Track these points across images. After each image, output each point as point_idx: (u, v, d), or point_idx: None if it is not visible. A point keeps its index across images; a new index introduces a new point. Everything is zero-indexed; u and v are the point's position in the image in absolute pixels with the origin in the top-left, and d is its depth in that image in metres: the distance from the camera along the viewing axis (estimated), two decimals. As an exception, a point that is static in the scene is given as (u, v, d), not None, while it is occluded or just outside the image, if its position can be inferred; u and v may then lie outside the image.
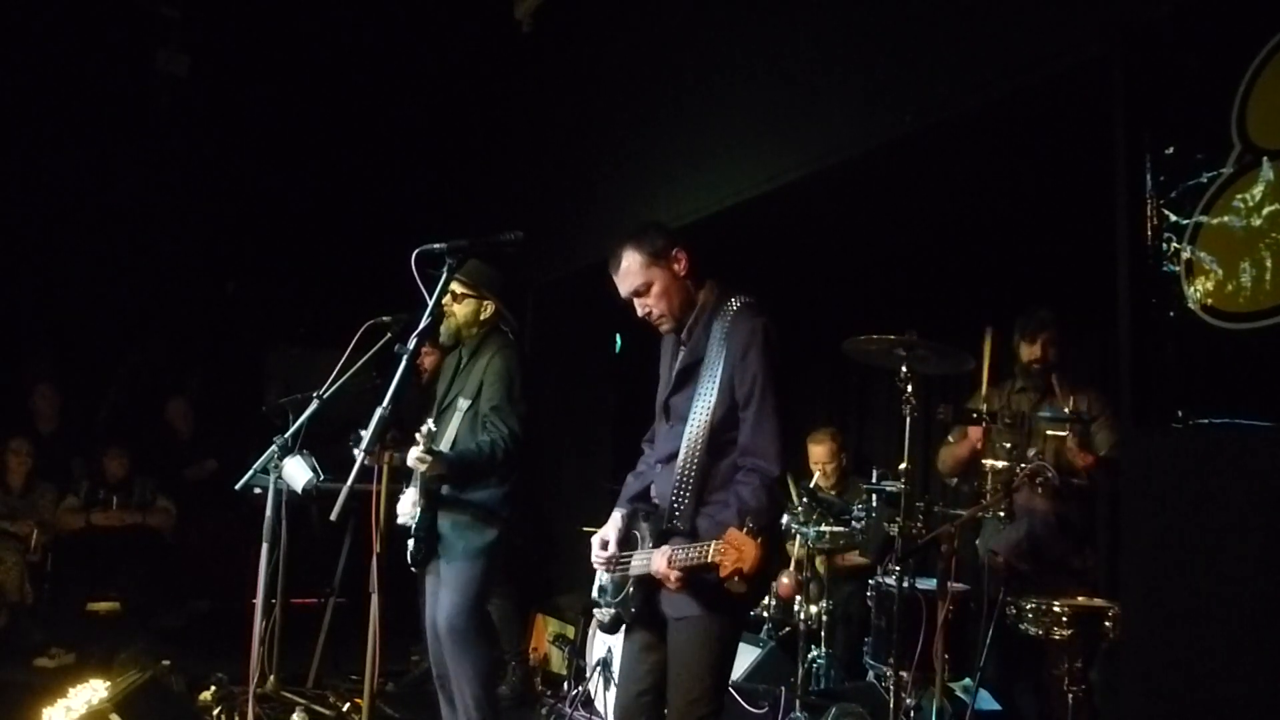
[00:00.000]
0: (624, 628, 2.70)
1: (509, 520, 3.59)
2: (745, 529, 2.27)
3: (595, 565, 2.76)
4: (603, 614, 2.74)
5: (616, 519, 2.76)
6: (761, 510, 2.42)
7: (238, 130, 7.25)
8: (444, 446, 3.54)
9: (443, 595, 3.53)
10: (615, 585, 2.70)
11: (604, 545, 2.73)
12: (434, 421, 3.65)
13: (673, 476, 2.55)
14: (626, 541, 2.70)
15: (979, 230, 4.66)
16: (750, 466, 2.49)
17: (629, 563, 2.64)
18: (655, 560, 2.48)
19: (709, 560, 2.31)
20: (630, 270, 2.61)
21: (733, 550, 2.26)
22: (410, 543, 3.51)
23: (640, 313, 2.67)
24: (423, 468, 3.30)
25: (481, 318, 3.68)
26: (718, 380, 2.52)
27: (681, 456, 2.54)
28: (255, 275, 7.87)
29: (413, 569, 3.57)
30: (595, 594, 2.80)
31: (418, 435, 3.33)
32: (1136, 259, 2.61)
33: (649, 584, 2.56)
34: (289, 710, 4.18)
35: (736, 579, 2.27)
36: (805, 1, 4.27)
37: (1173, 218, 2.54)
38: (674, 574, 2.43)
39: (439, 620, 3.54)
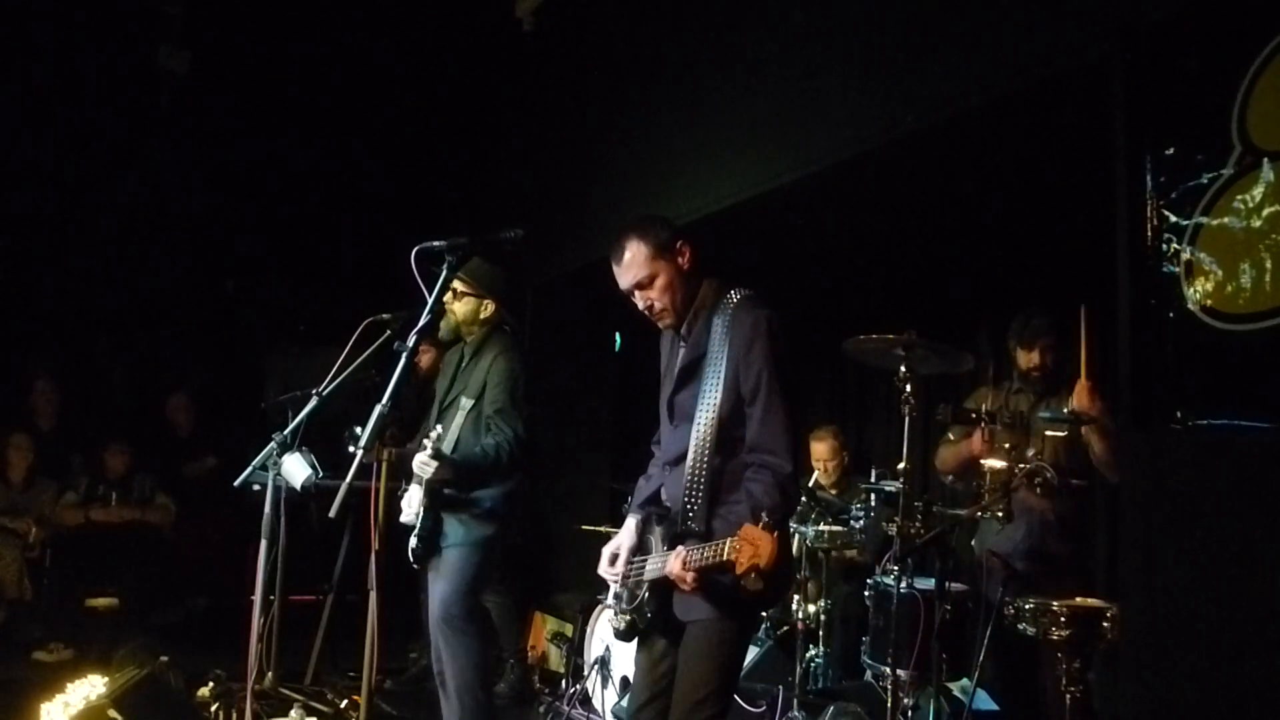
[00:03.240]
0: (638, 635, 2.67)
1: (509, 518, 3.60)
2: (761, 524, 2.22)
3: (605, 578, 2.72)
4: (618, 621, 2.68)
5: (630, 526, 2.70)
6: (775, 507, 2.37)
7: (238, 128, 7.24)
8: (447, 445, 3.54)
9: (438, 583, 3.54)
10: (630, 592, 2.66)
11: (613, 559, 2.69)
12: (436, 420, 3.66)
13: (683, 478, 2.49)
14: (640, 548, 2.66)
15: (979, 230, 4.66)
16: (760, 463, 2.44)
17: (643, 568, 2.61)
18: (670, 562, 2.42)
19: (724, 558, 2.25)
20: (635, 261, 2.55)
21: (748, 546, 2.20)
22: (412, 540, 3.51)
23: (641, 306, 2.61)
24: (429, 472, 3.31)
25: (481, 317, 3.68)
26: (722, 376, 2.47)
27: (691, 457, 2.49)
28: (255, 273, 7.87)
29: (414, 566, 3.57)
30: (610, 599, 2.76)
31: (425, 440, 3.33)
32: (1136, 259, 2.61)
33: (663, 588, 2.52)
34: (287, 707, 4.18)
35: (753, 575, 2.20)
36: (806, 1, 4.27)
37: (1173, 218, 2.54)
38: (690, 575, 2.37)
39: (433, 606, 3.54)
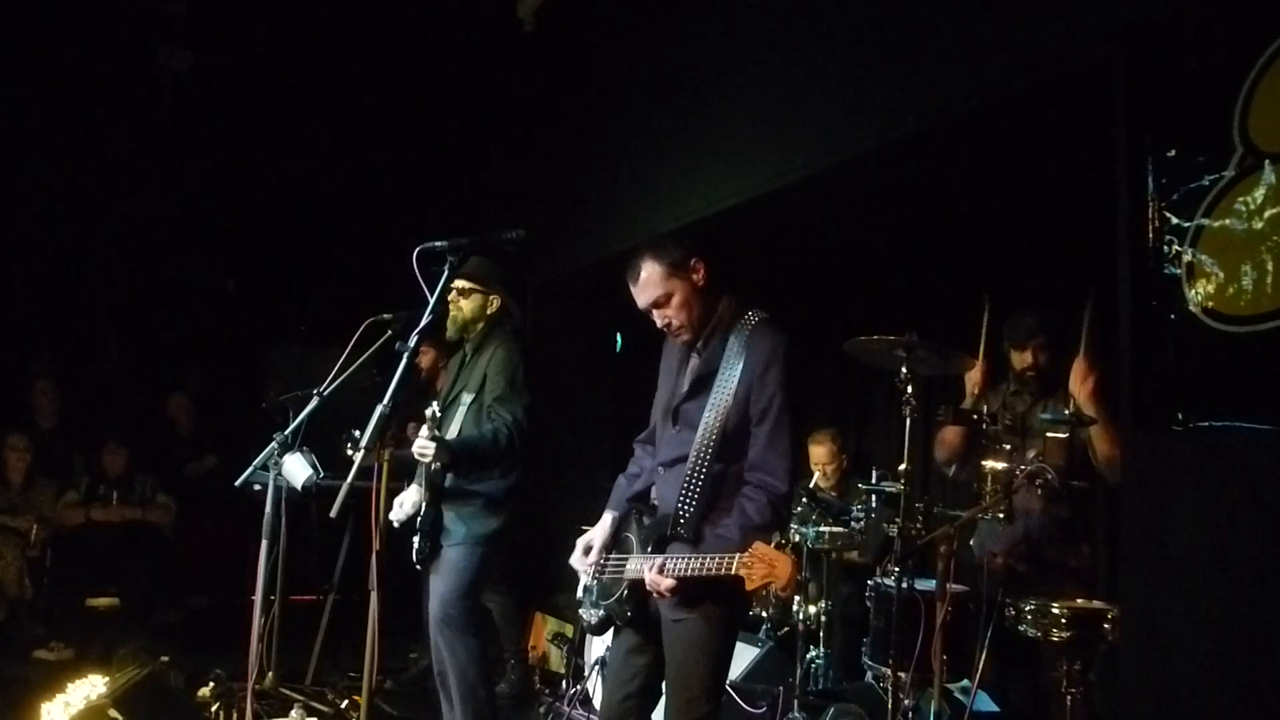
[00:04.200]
0: (613, 629, 2.70)
1: (512, 512, 3.59)
2: (774, 544, 2.28)
3: (577, 569, 2.76)
4: (589, 615, 2.73)
5: (606, 522, 2.75)
6: (765, 526, 2.44)
7: (239, 127, 7.25)
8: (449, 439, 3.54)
9: (438, 581, 3.53)
10: (603, 588, 2.70)
11: (586, 550, 2.73)
12: (440, 417, 3.65)
13: (679, 482, 2.54)
14: (616, 545, 2.69)
15: (980, 232, 4.66)
16: (758, 482, 2.49)
17: (622, 566, 2.63)
18: (647, 572, 2.47)
19: (732, 572, 2.30)
20: (650, 281, 2.60)
21: (762, 565, 2.26)
22: (415, 539, 3.51)
23: (660, 323, 2.67)
24: (428, 455, 3.29)
25: (488, 312, 3.69)
26: (733, 391, 2.52)
27: (690, 462, 2.53)
28: (256, 272, 7.87)
29: (417, 566, 3.57)
30: (580, 594, 2.79)
31: (424, 425, 3.31)
32: (1137, 261, 2.61)
33: (642, 588, 2.55)
34: (287, 707, 4.18)
35: (764, 593, 2.29)
36: (807, 2, 4.27)
37: (1174, 220, 2.54)
38: (666, 583, 2.43)
39: (432, 606, 3.54)
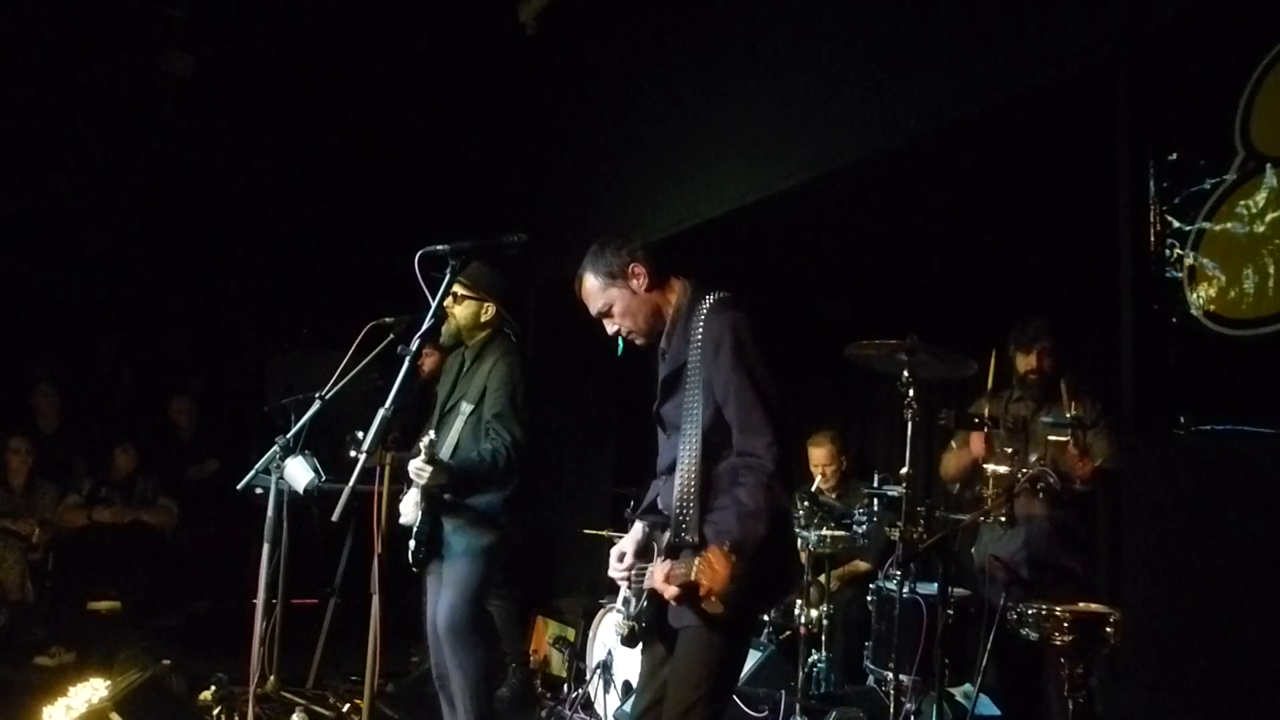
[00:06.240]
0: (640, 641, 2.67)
1: (508, 525, 3.59)
2: (725, 547, 2.23)
3: (614, 578, 2.73)
4: (622, 628, 2.67)
5: (637, 529, 2.72)
6: (760, 510, 2.37)
7: (241, 131, 7.26)
8: (446, 450, 3.54)
9: (442, 593, 3.54)
10: (635, 596, 2.67)
11: (620, 558, 2.69)
12: (436, 424, 3.66)
13: (675, 489, 2.50)
14: (646, 552, 2.67)
15: (981, 235, 4.67)
16: (745, 465, 2.43)
17: (644, 574, 2.61)
18: (655, 574, 2.45)
19: (693, 579, 2.29)
20: (590, 293, 2.59)
21: (708, 569, 2.23)
22: (411, 544, 3.51)
23: (609, 331, 2.64)
24: (424, 479, 3.30)
25: (482, 319, 3.67)
26: (700, 385, 2.47)
27: (680, 468, 2.49)
28: (258, 276, 7.88)
29: (414, 570, 3.57)
30: (620, 605, 2.76)
31: (420, 445, 3.32)
32: (1139, 265, 2.61)
33: (658, 596, 2.52)
34: (289, 710, 4.18)
35: (712, 599, 2.25)
36: (808, 6, 4.28)
37: (1176, 224, 2.54)
38: (671, 590, 2.39)
39: (438, 618, 3.55)
